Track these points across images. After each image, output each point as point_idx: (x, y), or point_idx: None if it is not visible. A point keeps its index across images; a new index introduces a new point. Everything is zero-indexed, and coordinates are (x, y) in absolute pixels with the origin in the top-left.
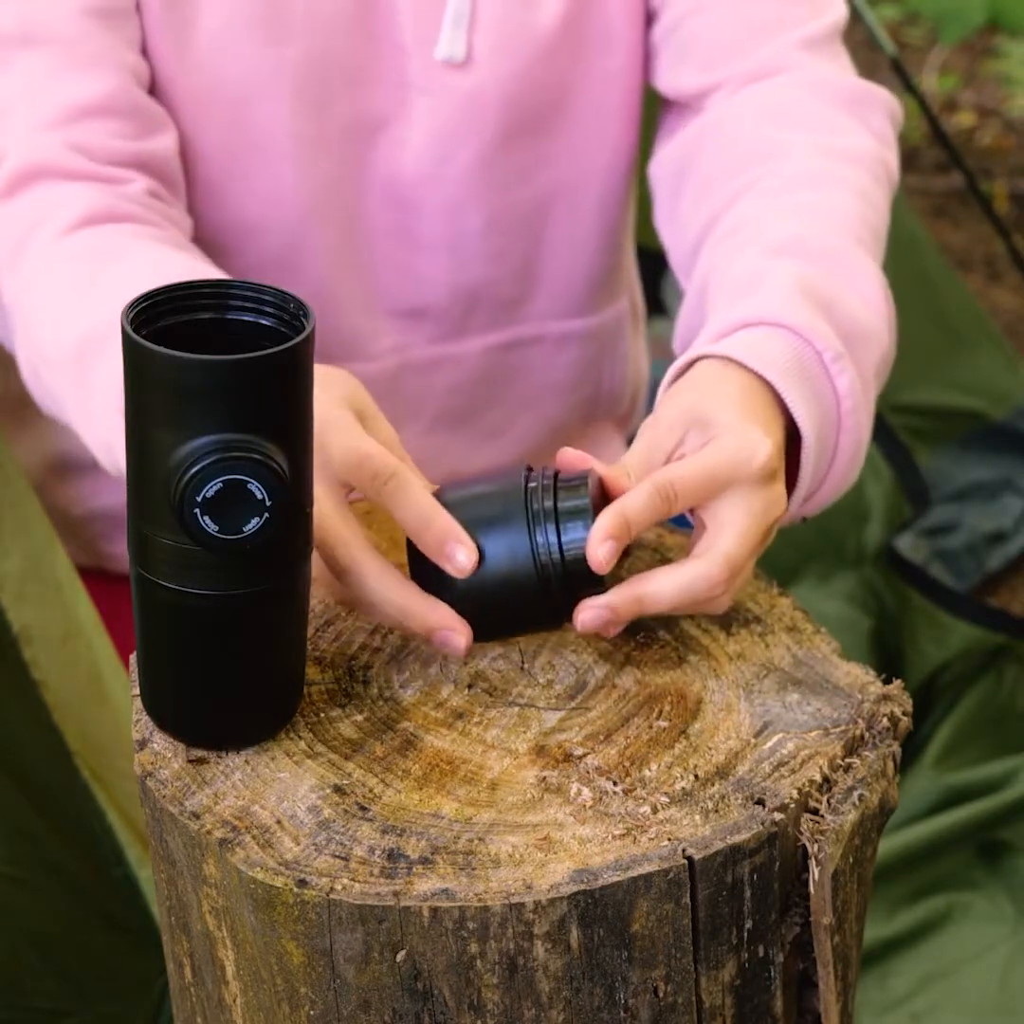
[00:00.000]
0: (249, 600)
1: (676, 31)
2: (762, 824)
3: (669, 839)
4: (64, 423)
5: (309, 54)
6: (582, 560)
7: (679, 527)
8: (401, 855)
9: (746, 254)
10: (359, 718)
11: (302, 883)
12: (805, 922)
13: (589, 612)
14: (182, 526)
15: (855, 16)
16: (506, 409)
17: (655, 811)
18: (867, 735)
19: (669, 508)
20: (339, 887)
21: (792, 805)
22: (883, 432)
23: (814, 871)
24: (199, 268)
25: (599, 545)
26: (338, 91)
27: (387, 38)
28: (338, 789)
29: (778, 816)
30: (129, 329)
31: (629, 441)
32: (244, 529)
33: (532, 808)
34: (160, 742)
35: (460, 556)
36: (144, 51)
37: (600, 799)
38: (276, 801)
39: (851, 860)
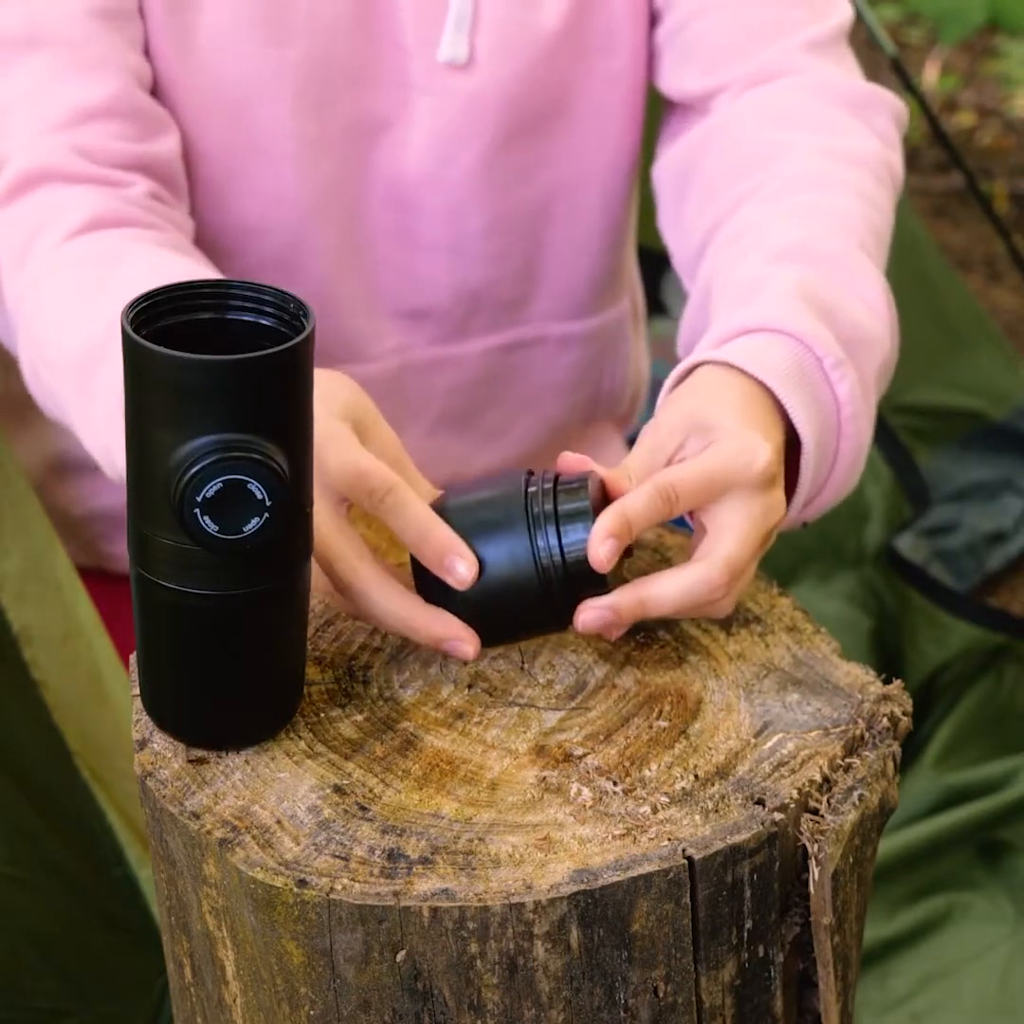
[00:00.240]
0: (249, 600)
1: (680, 33)
2: (762, 824)
3: (669, 839)
4: (65, 426)
5: (311, 55)
6: (584, 562)
7: (678, 527)
8: (401, 855)
9: (749, 259)
10: (359, 718)
11: (302, 883)
12: (805, 922)
13: (591, 612)
14: (182, 526)
15: (855, 16)
16: (507, 410)
17: (655, 811)
18: (867, 735)
19: (670, 510)
20: (339, 887)
21: (792, 805)
22: (883, 432)
23: (814, 871)
24: (200, 272)
25: (600, 544)
26: (340, 92)
27: (389, 39)
28: (338, 789)
29: (778, 816)
30: (129, 329)
31: (630, 442)
32: (244, 529)
33: (532, 808)
34: (160, 742)
35: (460, 568)
36: (146, 52)
37: (600, 799)
38: (276, 801)
39: (851, 860)
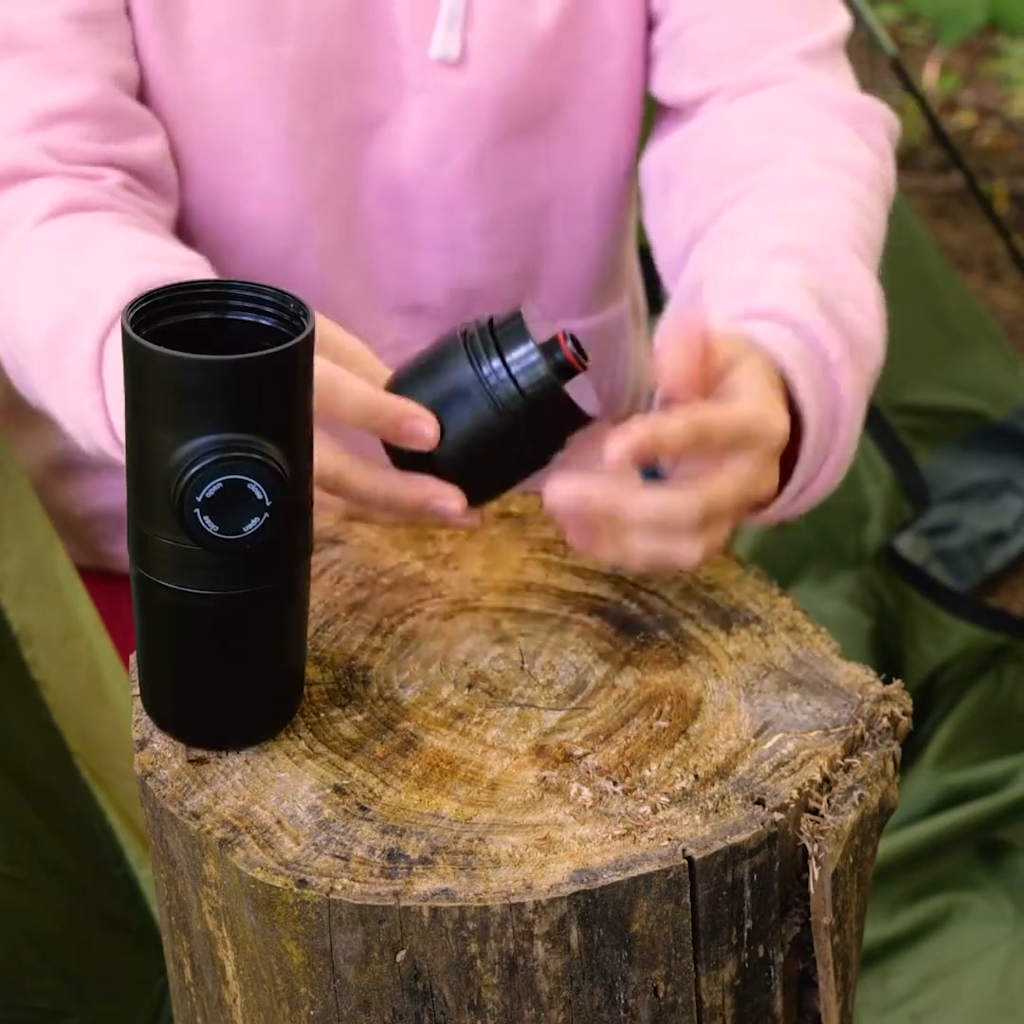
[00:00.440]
0: (249, 600)
1: (677, 37)
2: (762, 824)
3: (669, 839)
4: (46, 411)
5: (305, 52)
6: (537, 379)
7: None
8: (401, 855)
9: (744, 257)
10: (359, 718)
11: (302, 883)
12: (805, 922)
13: (558, 489)
14: (182, 526)
15: (855, 16)
16: None
17: (655, 811)
18: (867, 735)
19: (700, 448)
20: (339, 887)
21: (792, 805)
22: (883, 432)
23: (814, 871)
24: (168, 249)
25: (620, 439)
26: (334, 88)
27: (383, 35)
28: (338, 789)
29: (778, 816)
30: (129, 329)
31: None
32: (244, 529)
33: (532, 808)
34: (160, 742)
35: (421, 429)
36: (136, 54)
37: (600, 799)
38: (276, 801)
39: (851, 860)
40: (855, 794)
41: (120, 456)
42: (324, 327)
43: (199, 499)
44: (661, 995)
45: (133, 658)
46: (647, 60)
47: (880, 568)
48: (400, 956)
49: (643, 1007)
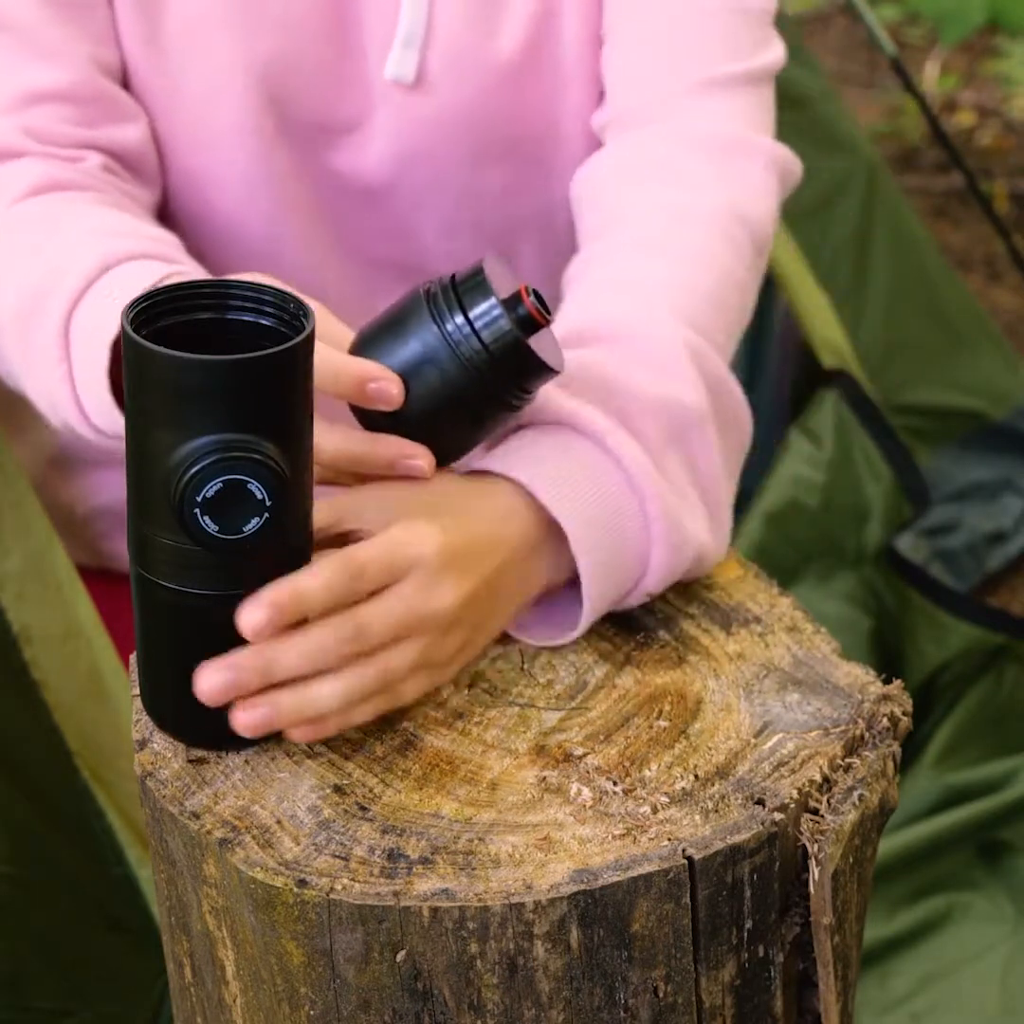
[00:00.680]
0: None
1: (604, 66)
2: (762, 824)
3: (669, 839)
4: (22, 392)
5: (279, 52)
6: (500, 333)
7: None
8: (401, 855)
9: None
10: None
11: (302, 883)
12: (805, 922)
13: (203, 684)
14: (182, 526)
15: (855, 16)
16: None
17: (655, 811)
18: (867, 735)
19: (356, 593)
20: (339, 887)
21: (792, 805)
22: (883, 432)
23: (814, 871)
24: (139, 226)
25: (254, 609)
26: (305, 90)
27: (356, 46)
28: (338, 789)
29: (778, 816)
30: (129, 329)
31: None
32: (244, 529)
33: (532, 808)
34: (160, 742)
35: (386, 388)
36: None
37: (600, 799)
38: (276, 801)
39: (851, 860)
40: (855, 794)
41: (86, 431)
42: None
43: (199, 499)
44: (661, 995)
45: (133, 658)
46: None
47: (880, 568)
48: (400, 956)
49: (643, 1007)
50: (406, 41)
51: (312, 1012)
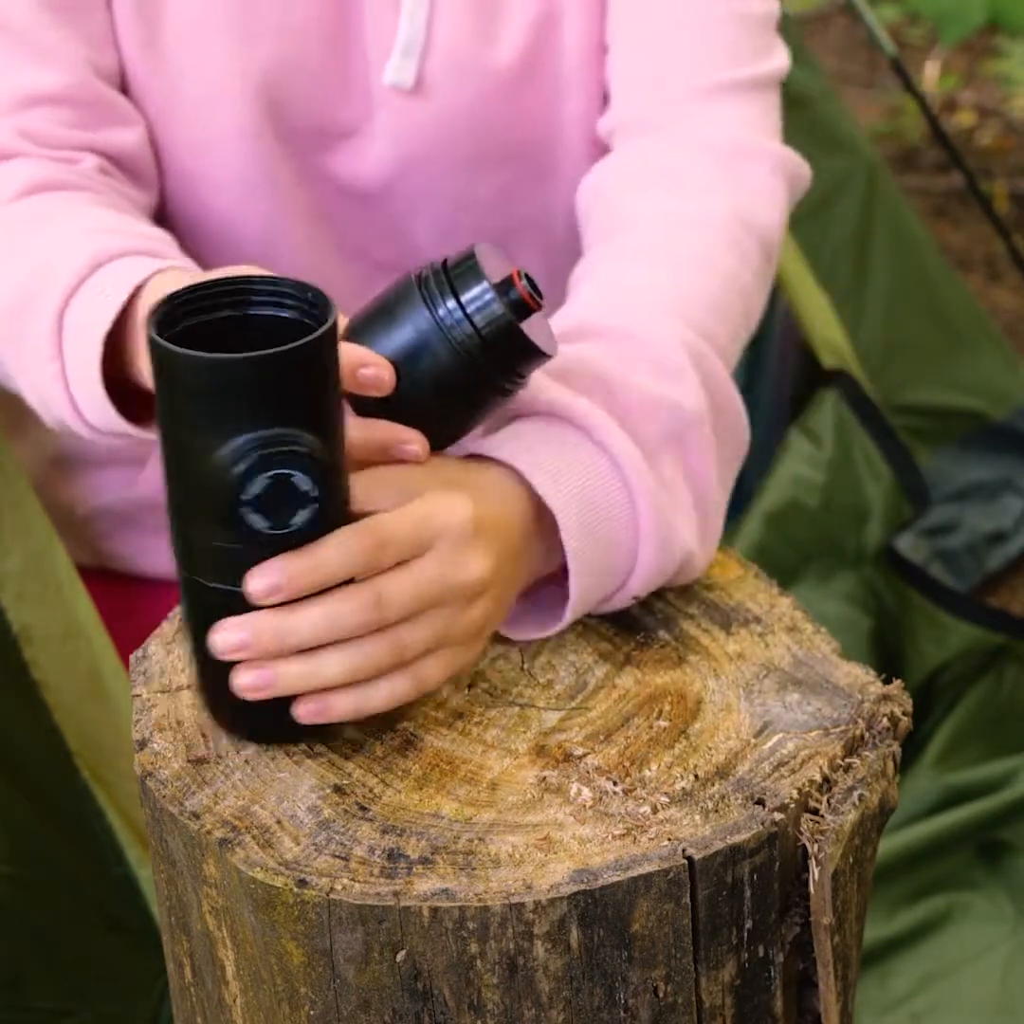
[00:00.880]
0: None
1: (610, 73)
2: (762, 824)
3: (669, 839)
4: (16, 391)
5: (278, 57)
6: (492, 317)
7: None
8: (401, 855)
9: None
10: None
11: (302, 883)
12: (805, 922)
13: (259, 580)
14: (232, 526)
15: (855, 16)
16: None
17: (655, 811)
18: (867, 735)
19: (378, 562)
20: (339, 887)
21: (792, 805)
22: (883, 432)
23: (814, 871)
24: (133, 224)
25: (260, 577)
26: (303, 96)
27: (357, 52)
28: (338, 789)
29: (778, 816)
30: (155, 335)
31: None
32: (292, 522)
33: (532, 808)
34: (160, 742)
35: (377, 374)
36: (118, 46)
37: (600, 799)
38: (276, 801)
39: (851, 860)
40: (855, 794)
41: (80, 428)
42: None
43: (246, 498)
44: (661, 995)
45: (133, 658)
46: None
47: (880, 568)
48: (400, 956)
49: (643, 1007)
50: (405, 49)
51: (312, 1012)
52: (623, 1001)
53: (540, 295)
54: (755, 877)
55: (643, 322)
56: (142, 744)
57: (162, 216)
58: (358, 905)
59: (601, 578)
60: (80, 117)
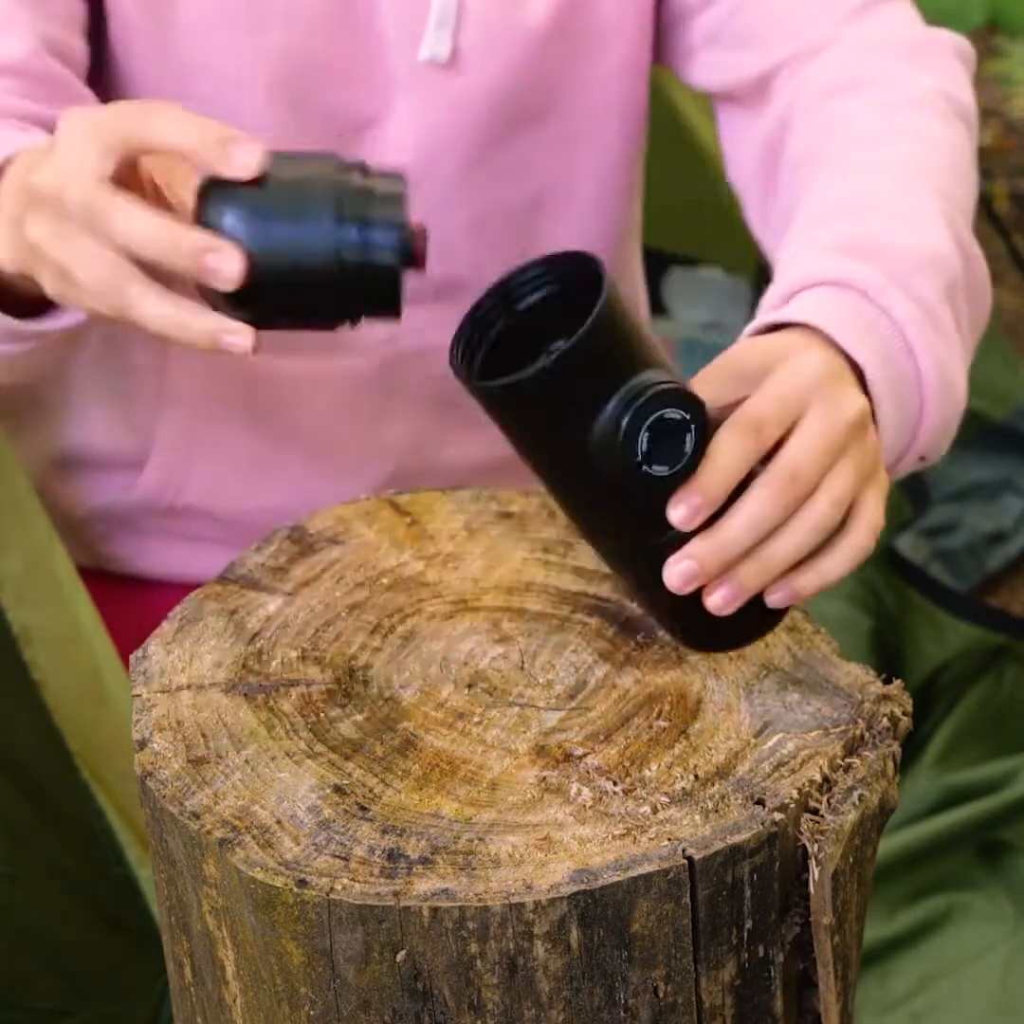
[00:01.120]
0: None
1: (727, 25)
2: (762, 824)
3: (669, 839)
4: None
5: (289, 47)
6: (390, 256)
7: None
8: (401, 855)
9: (792, 235)
10: (359, 718)
11: (302, 883)
12: (805, 922)
13: (673, 574)
14: (641, 488)
15: None
16: None
17: (655, 811)
18: (867, 735)
19: (765, 443)
20: (339, 887)
21: (792, 805)
22: None
23: (814, 871)
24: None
25: (683, 500)
26: (319, 87)
27: (371, 37)
28: (338, 789)
29: (778, 816)
30: (483, 382)
31: None
32: (685, 452)
33: (532, 808)
34: (160, 742)
35: (223, 265)
36: (121, 42)
37: (600, 799)
38: (276, 801)
39: (851, 860)
40: (855, 794)
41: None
42: (159, 116)
43: (639, 459)
44: (661, 995)
45: (133, 658)
46: (659, 54)
47: (880, 568)
48: (400, 956)
49: (643, 1007)
50: (439, 22)
51: (312, 1012)
52: (623, 1001)
53: (424, 258)
54: (755, 877)
55: (900, 192)
56: (142, 744)
57: None
58: (358, 905)
59: (896, 436)
60: (35, 90)
